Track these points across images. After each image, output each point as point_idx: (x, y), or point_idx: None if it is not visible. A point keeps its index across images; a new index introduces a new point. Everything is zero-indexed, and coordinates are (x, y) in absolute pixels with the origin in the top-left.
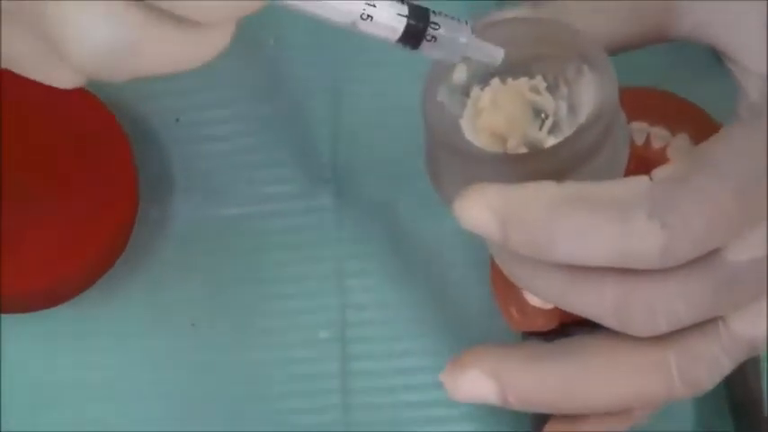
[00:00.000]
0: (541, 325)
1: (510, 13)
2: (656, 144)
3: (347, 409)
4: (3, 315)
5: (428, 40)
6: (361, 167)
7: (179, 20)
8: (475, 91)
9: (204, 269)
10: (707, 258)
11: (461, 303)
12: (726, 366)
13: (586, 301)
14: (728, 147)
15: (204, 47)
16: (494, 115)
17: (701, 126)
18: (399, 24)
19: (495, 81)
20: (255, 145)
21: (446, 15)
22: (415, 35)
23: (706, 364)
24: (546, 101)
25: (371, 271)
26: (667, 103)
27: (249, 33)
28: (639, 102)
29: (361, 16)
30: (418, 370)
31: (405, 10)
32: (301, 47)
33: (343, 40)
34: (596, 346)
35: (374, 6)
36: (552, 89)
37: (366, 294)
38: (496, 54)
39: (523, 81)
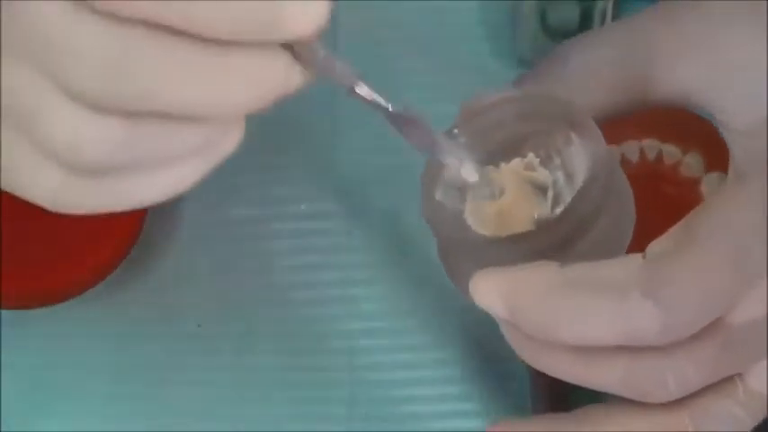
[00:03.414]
0: None
1: (494, 95)
2: (668, 161)
3: (351, 420)
4: (3, 313)
5: None
6: (371, 175)
7: None
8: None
9: (211, 272)
10: (709, 324)
11: (469, 314)
12: (746, 422)
13: (596, 377)
14: (716, 216)
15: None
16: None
17: (712, 143)
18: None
19: (489, 168)
20: (264, 149)
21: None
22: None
23: (724, 422)
24: (542, 175)
25: (379, 280)
26: (678, 119)
27: None
28: (651, 118)
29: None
30: (425, 380)
31: None
32: None
33: (360, 45)
34: (611, 414)
35: None
36: (545, 162)
37: (373, 304)
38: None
39: (516, 162)
